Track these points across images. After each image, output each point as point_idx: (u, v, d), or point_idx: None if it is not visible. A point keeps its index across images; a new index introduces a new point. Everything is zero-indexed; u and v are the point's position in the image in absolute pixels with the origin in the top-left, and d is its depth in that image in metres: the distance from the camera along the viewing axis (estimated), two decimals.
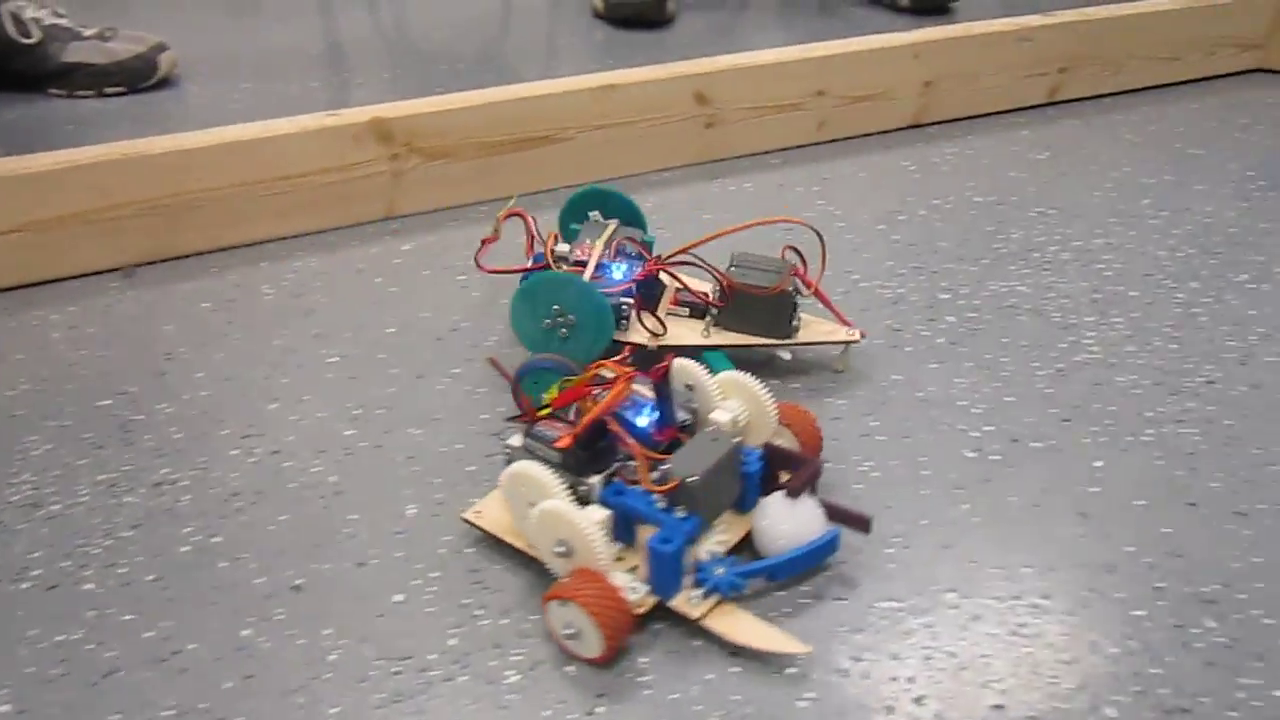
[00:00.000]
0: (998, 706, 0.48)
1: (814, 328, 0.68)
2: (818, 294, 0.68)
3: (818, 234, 0.68)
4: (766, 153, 1.01)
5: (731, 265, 0.67)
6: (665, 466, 0.51)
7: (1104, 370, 0.70)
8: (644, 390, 0.57)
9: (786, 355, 0.69)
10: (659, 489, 0.51)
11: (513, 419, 0.54)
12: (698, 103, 0.96)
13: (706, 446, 0.53)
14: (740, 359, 0.66)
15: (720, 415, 0.55)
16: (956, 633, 0.51)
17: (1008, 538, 0.57)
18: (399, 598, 0.53)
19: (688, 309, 0.69)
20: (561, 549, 0.50)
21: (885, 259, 0.83)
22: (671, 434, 0.56)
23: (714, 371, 0.57)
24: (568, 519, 0.49)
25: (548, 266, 0.68)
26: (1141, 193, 0.95)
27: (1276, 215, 0.91)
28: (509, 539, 0.54)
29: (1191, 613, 0.52)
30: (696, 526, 0.51)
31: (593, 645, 0.49)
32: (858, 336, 0.68)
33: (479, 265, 0.70)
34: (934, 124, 1.08)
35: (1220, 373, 0.70)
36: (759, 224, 0.69)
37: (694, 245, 0.67)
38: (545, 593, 0.49)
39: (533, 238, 0.71)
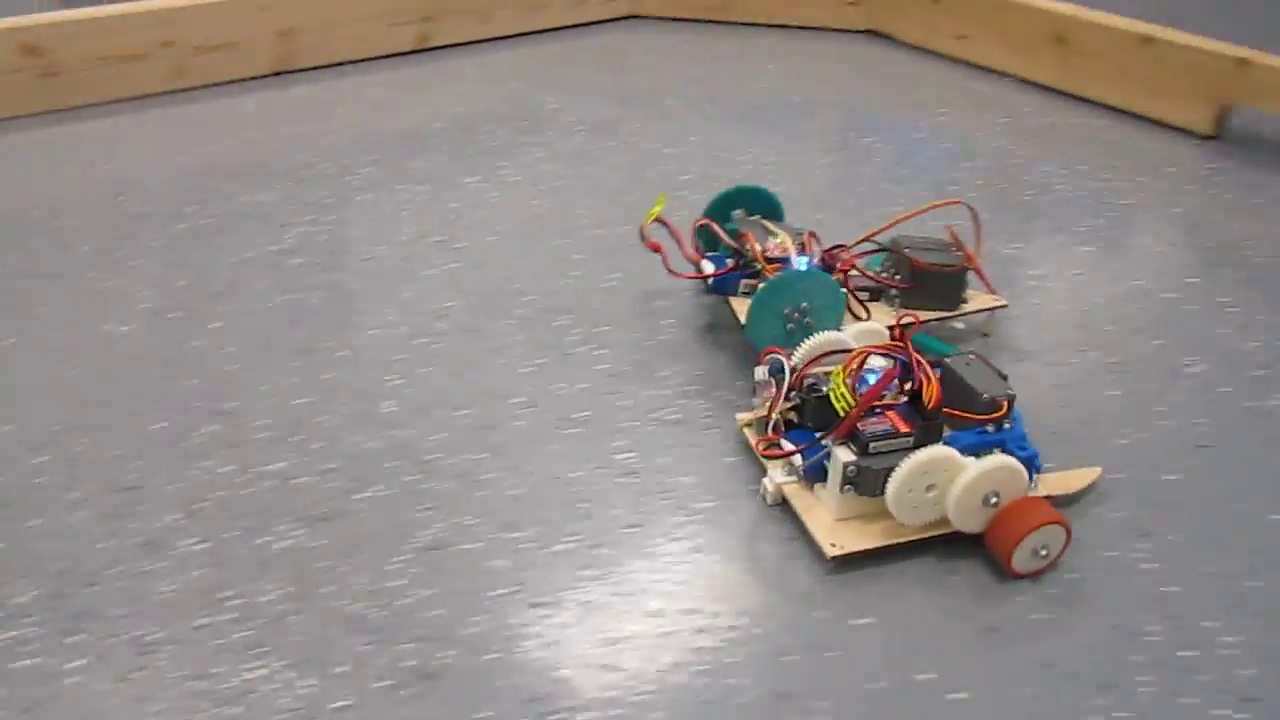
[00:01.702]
0: None
1: (975, 297, 0.75)
2: (974, 266, 0.73)
3: (972, 212, 0.75)
4: (115, 101, 1.09)
5: (904, 248, 0.72)
6: (986, 396, 0.56)
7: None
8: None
9: (984, 333, 0.76)
10: (992, 416, 0.56)
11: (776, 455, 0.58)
12: (30, 54, 1.02)
13: (974, 367, 0.57)
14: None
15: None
16: None
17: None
18: None
19: (866, 293, 0.73)
20: (994, 499, 0.54)
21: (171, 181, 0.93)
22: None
23: (930, 348, 0.64)
24: (1005, 469, 0.54)
25: (739, 268, 0.71)
26: (459, 114, 1.09)
27: (611, 113, 1.08)
28: (892, 541, 0.56)
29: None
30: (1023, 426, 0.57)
31: (1056, 549, 0.55)
32: (1004, 302, 0.75)
33: (671, 272, 0.73)
34: (297, 71, 1.19)
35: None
36: (928, 210, 0.76)
37: (874, 234, 0.74)
38: (1008, 543, 0.54)
39: (679, 241, 0.73)
